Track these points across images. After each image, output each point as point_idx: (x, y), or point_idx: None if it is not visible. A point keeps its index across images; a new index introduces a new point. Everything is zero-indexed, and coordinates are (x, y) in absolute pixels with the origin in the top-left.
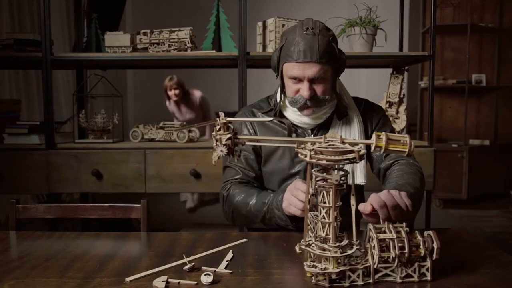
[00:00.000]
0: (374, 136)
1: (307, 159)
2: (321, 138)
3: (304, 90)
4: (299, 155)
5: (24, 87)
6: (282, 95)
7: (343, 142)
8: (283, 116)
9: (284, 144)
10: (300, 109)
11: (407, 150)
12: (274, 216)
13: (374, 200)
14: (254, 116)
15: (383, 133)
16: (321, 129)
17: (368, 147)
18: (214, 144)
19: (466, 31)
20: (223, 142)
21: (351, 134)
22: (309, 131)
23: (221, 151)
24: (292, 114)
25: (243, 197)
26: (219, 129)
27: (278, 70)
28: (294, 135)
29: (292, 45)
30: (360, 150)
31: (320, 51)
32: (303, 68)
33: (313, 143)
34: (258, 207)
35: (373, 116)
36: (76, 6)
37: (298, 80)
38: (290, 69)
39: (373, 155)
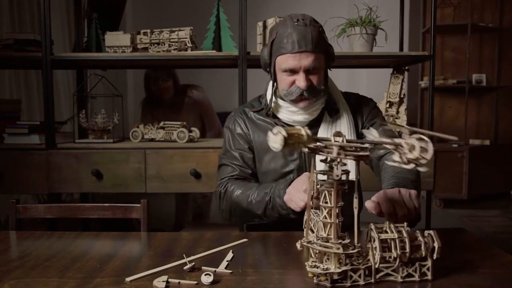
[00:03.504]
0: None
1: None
2: (330, 138)
3: (300, 80)
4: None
5: (24, 87)
6: (273, 95)
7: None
8: (275, 117)
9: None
10: (296, 101)
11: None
12: (275, 204)
13: (379, 197)
14: (246, 115)
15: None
16: (313, 126)
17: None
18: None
19: (466, 31)
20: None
21: (341, 129)
22: None
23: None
24: (285, 114)
25: (242, 191)
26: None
27: (270, 66)
28: None
29: (285, 38)
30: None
31: (314, 40)
32: (299, 58)
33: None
34: (260, 198)
35: (363, 110)
36: (76, 6)
37: (293, 72)
38: (285, 61)
39: None
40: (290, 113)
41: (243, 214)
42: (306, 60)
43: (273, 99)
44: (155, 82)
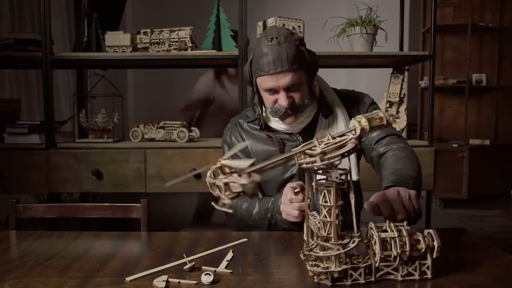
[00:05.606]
0: (353, 121)
1: (316, 164)
2: (312, 142)
3: (282, 99)
4: (303, 165)
5: (24, 87)
6: (262, 110)
7: (333, 138)
8: (268, 127)
9: (280, 162)
10: (282, 118)
11: (384, 122)
12: (277, 221)
13: (377, 198)
14: (241, 127)
15: (360, 115)
16: (308, 130)
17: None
18: (216, 193)
19: (466, 30)
20: (223, 192)
21: (338, 130)
22: (297, 135)
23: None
24: (277, 123)
25: (246, 208)
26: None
27: (252, 85)
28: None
29: (261, 58)
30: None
31: (289, 58)
32: (276, 79)
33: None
34: (262, 215)
35: (359, 107)
36: (76, 6)
37: (274, 91)
38: (264, 82)
39: (363, 145)
40: (281, 124)
41: (250, 228)
42: (284, 80)
43: (263, 112)
44: (221, 84)
